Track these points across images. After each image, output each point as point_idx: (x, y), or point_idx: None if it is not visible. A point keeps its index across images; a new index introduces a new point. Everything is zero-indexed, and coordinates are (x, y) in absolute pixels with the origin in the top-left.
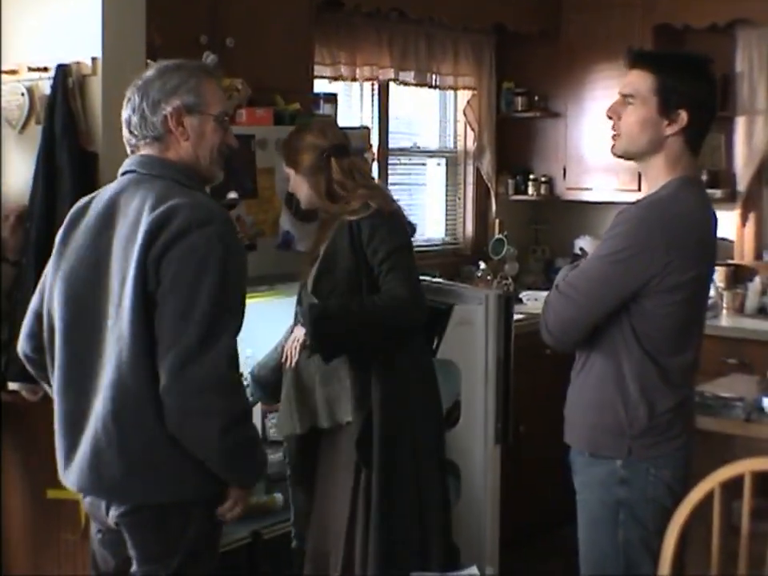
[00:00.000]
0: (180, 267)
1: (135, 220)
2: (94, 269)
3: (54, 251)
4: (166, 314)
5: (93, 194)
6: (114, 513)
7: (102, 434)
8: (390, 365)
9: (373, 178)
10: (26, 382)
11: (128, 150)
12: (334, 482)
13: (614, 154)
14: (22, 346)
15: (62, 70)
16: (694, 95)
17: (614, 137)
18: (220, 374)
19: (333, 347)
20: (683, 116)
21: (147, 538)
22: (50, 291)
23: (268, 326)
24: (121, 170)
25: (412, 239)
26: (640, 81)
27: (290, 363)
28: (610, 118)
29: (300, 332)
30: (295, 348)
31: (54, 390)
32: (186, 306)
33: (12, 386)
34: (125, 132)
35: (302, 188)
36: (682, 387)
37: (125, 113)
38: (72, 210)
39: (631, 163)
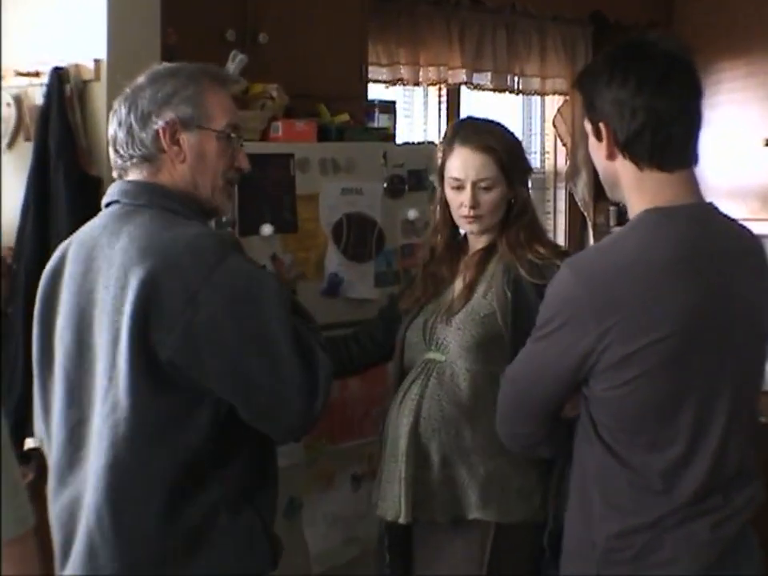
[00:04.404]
0: (216, 336)
1: (123, 268)
2: (78, 327)
3: (37, 319)
4: (225, 390)
5: (71, 237)
6: None
7: (96, 530)
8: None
9: None
10: None
11: (115, 174)
12: None
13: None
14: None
15: (58, 75)
16: (608, 99)
17: None
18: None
19: None
20: (603, 129)
21: None
22: (42, 367)
23: None
24: (103, 201)
25: None
26: (582, 109)
27: None
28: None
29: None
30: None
31: (49, 486)
32: (240, 368)
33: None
34: (110, 152)
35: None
36: (669, 495)
37: (110, 128)
38: (49, 265)
39: (763, 187)
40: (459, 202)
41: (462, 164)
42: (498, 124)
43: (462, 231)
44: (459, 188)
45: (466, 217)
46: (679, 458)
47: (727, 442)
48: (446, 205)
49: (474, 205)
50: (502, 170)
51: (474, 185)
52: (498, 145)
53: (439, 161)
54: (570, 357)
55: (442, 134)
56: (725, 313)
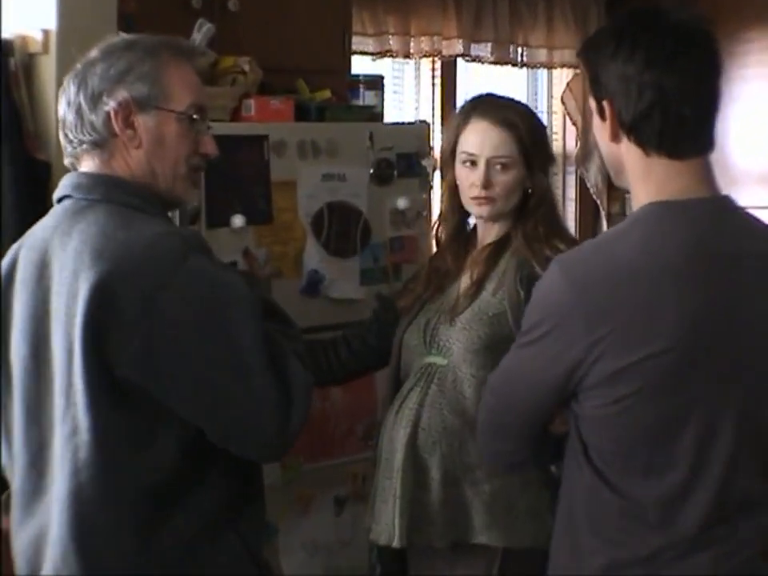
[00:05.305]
0: (176, 348)
1: (74, 273)
2: (33, 340)
3: None
4: (188, 409)
5: (21, 239)
6: None
7: (63, 567)
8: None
9: None
10: None
11: (66, 161)
12: None
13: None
14: None
15: (1, 48)
16: (613, 74)
17: None
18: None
19: None
20: (607, 108)
21: None
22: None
23: None
24: (55, 196)
25: None
26: (583, 85)
27: None
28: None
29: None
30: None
31: (12, 515)
32: (205, 384)
33: None
34: (60, 136)
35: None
36: (666, 528)
37: (60, 108)
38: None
39: None
40: (471, 181)
41: (478, 138)
42: (524, 104)
43: (470, 223)
44: (472, 164)
45: (476, 198)
46: (678, 487)
47: (734, 468)
48: (454, 190)
49: (487, 184)
50: (521, 150)
51: (489, 162)
52: (522, 123)
53: (451, 137)
54: (556, 368)
55: (458, 109)
56: (733, 324)
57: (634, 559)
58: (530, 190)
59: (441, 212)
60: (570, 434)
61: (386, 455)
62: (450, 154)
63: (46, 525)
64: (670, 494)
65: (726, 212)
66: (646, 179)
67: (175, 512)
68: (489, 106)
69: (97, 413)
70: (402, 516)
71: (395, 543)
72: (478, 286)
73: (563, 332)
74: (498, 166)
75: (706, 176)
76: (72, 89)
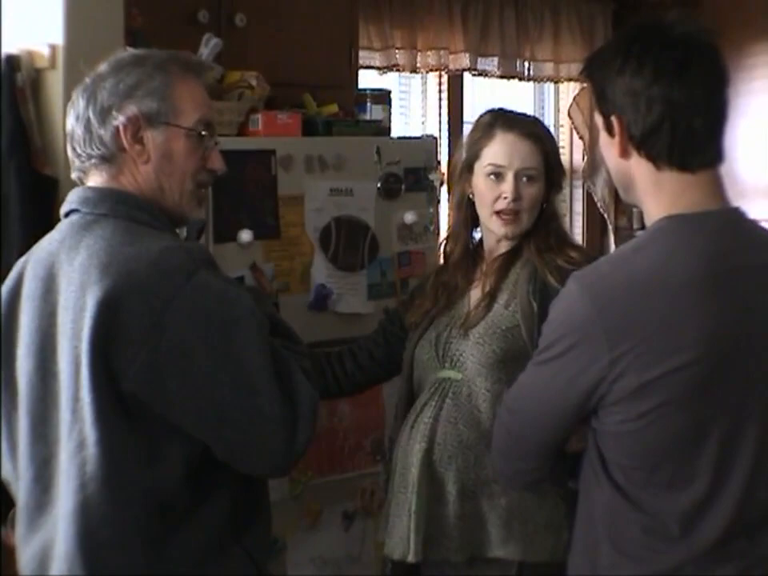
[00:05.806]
0: (183, 364)
1: (81, 287)
2: (40, 354)
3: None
4: (194, 426)
5: (28, 254)
6: None
7: None
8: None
9: None
10: None
11: (74, 176)
12: None
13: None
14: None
15: (9, 63)
16: (620, 89)
17: None
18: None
19: None
20: (615, 123)
21: None
22: (4, 399)
23: None
24: (62, 210)
25: None
26: (590, 99)
27: None
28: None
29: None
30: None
31: (18, 531)
32: (211, 401)
33: None
34: (68, 150)
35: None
36: (687, 541)
37: (68, 122)
38: (5, 286)
39: None
40: (497, 194)
41: (506, 150)
42: (536, 117)
43: (477, 236)
44: (498, 177)
45: (503, 211)
46: (700, 500)
47: (754, 481)
48: (468, 205)
49: (517, 196)
50: (546, 163)
51: (517, 174)
52: (545, 135)
53: (471, 150)
54: (578, 385)
55: (474, 123)
56: (751, 334)
57: (655, 574)
58: (543, 204)
59: (450, 227)
60: (588, 449)
61: (401, 470)
62: (467, 168)
63: (51, 539)
64: (692, 507)
65: (738, 224)
66: (657, 194)
67: (181, 526)
68: (512, 119)
69: (104, 427)
70: (417, 531)
71: (410, 558)
72: (491, 298)
73: (584, 349)
74: (525, 179)
75: (717, 188)
76: (81, 103)
